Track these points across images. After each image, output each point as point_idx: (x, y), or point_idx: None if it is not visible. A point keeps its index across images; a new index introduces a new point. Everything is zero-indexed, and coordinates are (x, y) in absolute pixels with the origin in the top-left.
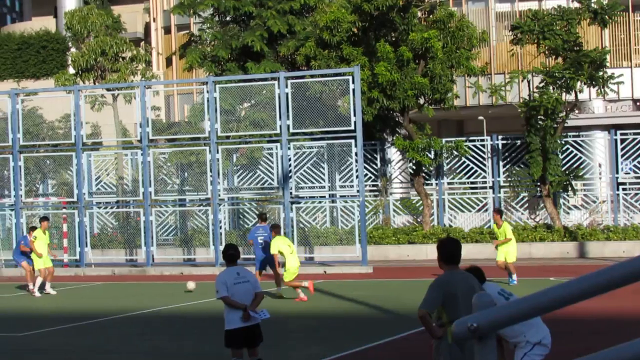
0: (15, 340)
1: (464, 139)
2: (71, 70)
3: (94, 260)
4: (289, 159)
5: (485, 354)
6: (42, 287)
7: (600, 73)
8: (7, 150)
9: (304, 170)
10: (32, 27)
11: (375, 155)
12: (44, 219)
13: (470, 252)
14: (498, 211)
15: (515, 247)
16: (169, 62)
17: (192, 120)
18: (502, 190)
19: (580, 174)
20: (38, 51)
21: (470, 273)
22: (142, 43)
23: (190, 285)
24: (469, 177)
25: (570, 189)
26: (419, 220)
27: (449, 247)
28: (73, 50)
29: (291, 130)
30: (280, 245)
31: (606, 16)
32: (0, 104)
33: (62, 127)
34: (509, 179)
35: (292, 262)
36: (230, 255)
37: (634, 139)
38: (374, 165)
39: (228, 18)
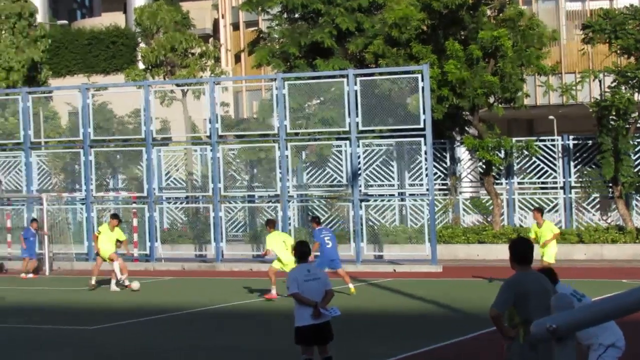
0: (86, 334)
1: (534, 138)
2: (141, 66)
3: (164, 255)
4: (358, 157)
5: (564, 355)
6: (107, 282)
7: None
8: (78, 144)
9: (373, 168)
10: (102, 23)
11: (444, 153)
12: (114, 216)
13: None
14: (539, 210)
15: (555, 248)
16: (237, 58)
17: (261, 116)
18: (573, 190)
19: None
20: (108, 46)
21: (542, 274)
22: (211, 39)
23: (135, 285)
24: (539, 177)
25: None
26: (488, 219)
27: (521, 248)
28: (142, 45)
29: (360, 128)
30: (275, 241)
31: None
32: (71, 99)
33: (132, 122)
34: (580, 180)
35: (289, 257)
36: (302, 252)
37: None
38: (443, 164)
39: (296, 15)
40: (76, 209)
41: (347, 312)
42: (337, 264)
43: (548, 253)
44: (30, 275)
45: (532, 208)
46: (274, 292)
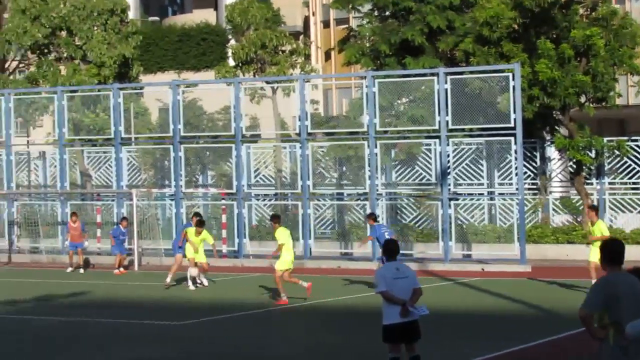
0: (176, 329)
1: (625, 138)
2: (231, 63)
3: (252, 251)
4: (448, 155)
5: None
6: (194, 281)
7: None
8: (168, 140)
9: (463, 167)
10: (193, 20)
11: (534, 153)
12: (200, 223)
13: (632, 254)
14: (593, 208)
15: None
16: (327, 55)
17: (351, 115)
18: None
19: None
20: (198, 43)
21: (634, 275)
22: (301, 37)
23: (193, 272)
24: (630, 178)
25: None
26: (578, 219)
27: (613, 248)
28: (233, 42)
29: (450, 127)
30: (287, 236)
31: None
32: (162, 95)
33: (221, 119)
34: None
35: (290, 254)
36: (390, 250)
37: None
38: (533, 164)
39: (387, 13)
40: (165, 205)
41: (435, 310)
42: None
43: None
44: (117, 271)
45: (589, 206)
46: (285, 298)
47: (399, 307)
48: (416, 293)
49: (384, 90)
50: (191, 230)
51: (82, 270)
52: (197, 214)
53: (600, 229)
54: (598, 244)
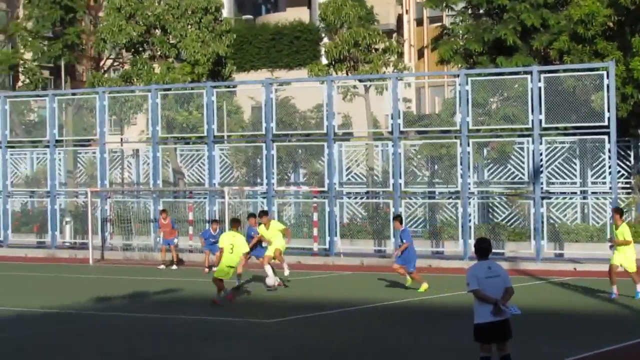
0: (263, 326)
1: None
2: (324, 61)
3: (343, 249)
4: (540, 154)
5: None
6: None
7: None
8: (260, 138)
9: (555, 166)
10: (287, 18)
11: (628, 152)
12: (263, 213)
13: None
14: (617, 210)
15: (633, 253)
16: (420, 54)
17: (444, 113)
18: None
19: None
20: (291, 41)
21: None
22: (394, 35)
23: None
24: None
25: None
26: None
27: None
28: (326, 40)
29: (543, 125)
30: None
31: None
32: (255, 93)
33: (313, 117)
34: None
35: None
36: (483, 249)
37: None
38: (627, 162)
39: (481, 11)
40: (257, 202)
41: (526, 310)
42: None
43: (629, 259)
44: (206, 269)
45: (613, 209)
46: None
47: (490, 306)
48: (508, 292)
49: (477, 89)
50: (262, 228)
51: (174, 267)
52: (252, 214)
53: (623, 233)
54: (622, 248)
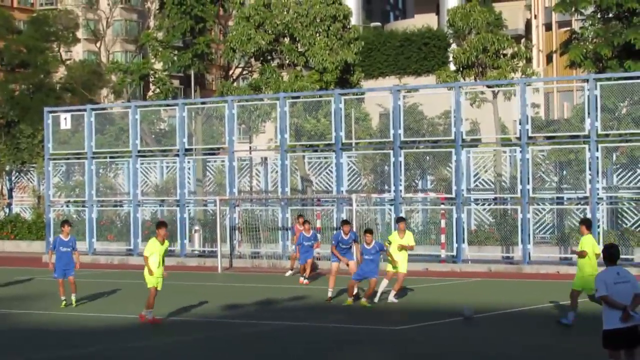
0: (393, 333)
1: None
2: (452, 67)
3: (471, 256)
4: None
5: None
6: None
7: None
8: (388, 145)
9: None
10: (415, 24)
11: None
12: (400, 219)
13: None
14: (582, 222)
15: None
16: (549, 59)
17: (575, 119)
18: None
19: None
20: (420, 48)
21: None
22: (523, 40)
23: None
24: None
25: None
26: None
27: None
28: (454, 47)
29: None
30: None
31: None
32: (383, 100)
33: (441, 124)
34: None
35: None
36: (611, 255)
37: None
38: None
39: (610, 15)
40: (384, 209)
41: None
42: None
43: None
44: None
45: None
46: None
47: (619, 312)
48: (637, 298)
49: (606, 93)
50: (394, 235)
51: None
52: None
53: (584, 244)
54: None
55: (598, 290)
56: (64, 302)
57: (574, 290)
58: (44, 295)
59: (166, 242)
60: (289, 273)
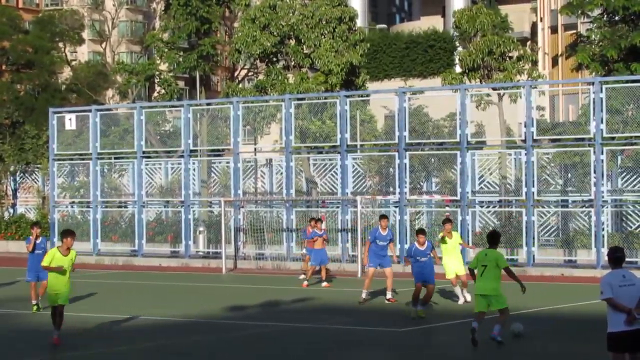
0: (397, 335)
1: None
2: (458, 69)
3: None
4: None
5: None
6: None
7: None
8: (393, 147)
9: None
10: (420, 27)
11: None
12: (447, 221)
13: None
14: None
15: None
16: (554, 61)
17: (579, 121)
18: None
19: None
20: (425, 50)
21: None
22: (529, 42)
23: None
24: None
25: None
26: None
27: None
28: (460, 49)
29: None
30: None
31: None
32: (388, 102)
33: (446, 126)
34: None
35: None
36: (617, 257)
37: None
38: None
39: (616, 18)
40: (389, 211)
41: None
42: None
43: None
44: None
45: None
46: None
47: (624, 315)
48: None
49: (612, 96)
50: (455, 237)
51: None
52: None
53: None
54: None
55: (603, 293)
56: (35, 307)
57: None
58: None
59: (72, 253)
60: (302, 276)
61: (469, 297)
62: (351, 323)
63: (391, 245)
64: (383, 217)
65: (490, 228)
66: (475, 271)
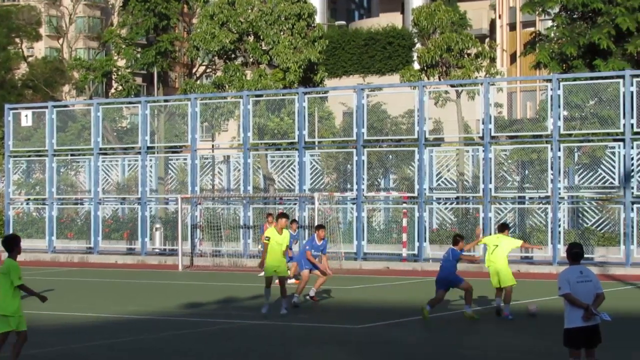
0: (356, 332)
1: None
2: (416, 66)
3: (432, 255)
4: (632, 158)
5: None
6: None
7: None
8: (351, 144)
9: None
10: (379, 24)
11: None
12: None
13: None
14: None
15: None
16: (513, 58)
17: (538, 118)
18: None
19: None
20: (384, 47)
21: None
22: (487, 39)
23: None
24: None
25: None
26: None
27: None
28: (418, 46)
29: (635, 129)
30: None
31: None
32: (346, 99)
33: (404, 123)
34: None
35: None
36: (575, 253)
37: None
38: None
39: (575, 15)
40: (347, 208)
41: (615, 315)
42: None
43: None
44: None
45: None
46: None
47: (581, 311)
48: (599, 298)
49: (569, 93)
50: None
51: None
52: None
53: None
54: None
55: (561, 288)
56: None
57: None
58: None
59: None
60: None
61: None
62: (312, 320)
63: (324, 258)
64: (320, 227)
65: (448, 225)
66: None
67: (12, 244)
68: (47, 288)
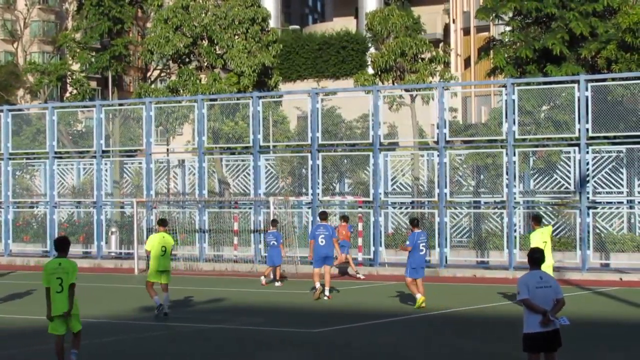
0: (312, 336)
1: None
2: (370, 71)
3: (388, 259)
4: (587, 163)
5: None
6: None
7: None
8: (306, 148)
9: (602, 175)
10: (333, 28)
11: None
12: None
13: None
14: (533, 218)
15: None
16: (467, 63)
17: (492, 123)
18: None
19: None
20: (338, 51)
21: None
22: (441, 44)
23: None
24: None
25: None
26: None
27: None
28: (372, 50)
29: (590, 134)
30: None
31: None
32: (301, 103)
33: (359, 127)
34: None
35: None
36: (535, 258)
37: None
38: None
39: (529, 20)
40: (302, 212)
41: (572, 320)
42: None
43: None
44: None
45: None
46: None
47: (540, 316)
48: (559, 303)
49: (524, 98)
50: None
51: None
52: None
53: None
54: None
55: (520, 293)
56: None
57: None
58: None
59: None
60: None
61: None
62: (267, 324)
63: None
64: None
65: (403, 230)
66: None
67: (66, 245)
68: (2, 292)
